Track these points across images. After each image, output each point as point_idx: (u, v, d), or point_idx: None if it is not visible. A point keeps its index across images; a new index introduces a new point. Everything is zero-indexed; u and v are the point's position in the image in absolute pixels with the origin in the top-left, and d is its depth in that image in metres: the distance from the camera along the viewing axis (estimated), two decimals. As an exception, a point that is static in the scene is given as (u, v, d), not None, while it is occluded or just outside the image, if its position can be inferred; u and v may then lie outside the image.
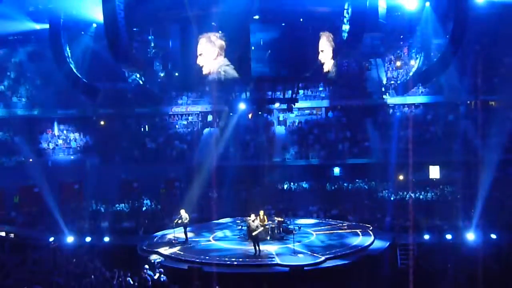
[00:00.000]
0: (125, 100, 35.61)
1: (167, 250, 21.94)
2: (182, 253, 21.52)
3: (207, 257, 20.55)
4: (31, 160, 33.93)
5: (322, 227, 25.84)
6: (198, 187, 30.81)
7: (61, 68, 26.44)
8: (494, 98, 34.03)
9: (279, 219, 23.79)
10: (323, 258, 19.72)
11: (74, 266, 19.93)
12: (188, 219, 23.15)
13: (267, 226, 22.76)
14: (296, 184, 33.63)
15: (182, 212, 23.10)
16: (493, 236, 22.64)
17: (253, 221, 20.83)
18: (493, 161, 27.90)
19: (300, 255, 20.31)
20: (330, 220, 28.02)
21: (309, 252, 20.72)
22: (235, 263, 19.85)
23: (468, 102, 35.28)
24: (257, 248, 20.63)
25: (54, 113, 36.70)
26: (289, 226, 23.83)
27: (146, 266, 18.65)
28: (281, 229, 23.52)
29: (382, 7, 25.68)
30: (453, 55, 25.67)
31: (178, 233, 23.46)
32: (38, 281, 17.43)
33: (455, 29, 24.83)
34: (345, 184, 33.06)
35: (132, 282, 17.66)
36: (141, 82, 27.86)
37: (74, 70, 26.43)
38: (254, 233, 20.58)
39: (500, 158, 28.66)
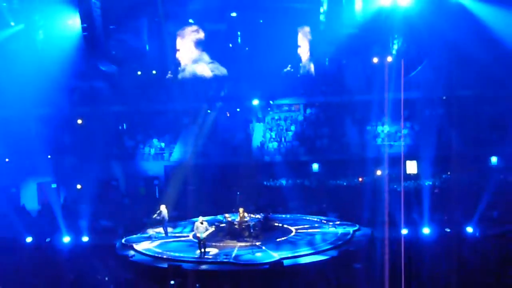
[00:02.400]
0: (102, 98, 35.28)
1: (145, 247, 22.08)
2: (160, 250, 21.63)
3: (184, 255, 20.73)
4: (7, 160, 33.46)
5: (302, 223, 26.01)
6: (177, 185, 30.77)
7: None
8: (469, 92, 34.39)
9: (257, 216, 24.00)
10: (277, 256, 19.84)
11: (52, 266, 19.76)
12: (167, 214, 23.27)
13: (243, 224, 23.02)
14: (276, 181, 33.69)
15: (162, 207, 23.29)
16: (469, 229, 23.00)
17: (201, 223, 20.73)
18: (469, 156, 28.35)
19: (258, 254, 20.44)
20: (310, 216, 28.15)
21: (268, 251, 20.79)
22: (213, 260, 19.94)
23: (444, 97, 35.65)
24: (202, 250, 20.67)
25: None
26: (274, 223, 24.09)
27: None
28: (257, 227, 23.64)
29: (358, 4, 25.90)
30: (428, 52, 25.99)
31: (156, 229, 23.55)
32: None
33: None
34: (324, 180, 33.18)
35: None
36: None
37: None
38: (203, 235, 20.56)
39: (476, 153, 29.12)
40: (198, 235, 20.67)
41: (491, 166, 32.42)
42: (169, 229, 24.05)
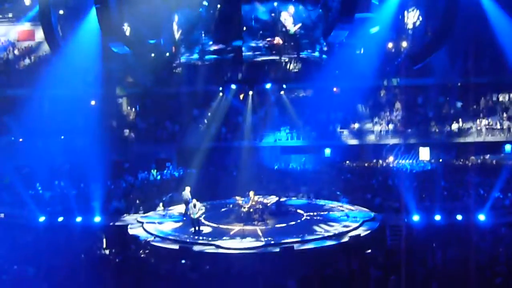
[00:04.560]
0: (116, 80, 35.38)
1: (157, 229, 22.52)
2: (172, 232, 22.01)
3: (196, 237, 21.10)
4: (21, 140, 33.77)
5: (312, 208, 26.06)
6: (190, 168, 31.03)
7: None
8: (484, 80, 34.02)
9: (268, 200, 24.11)
10: (263, 242, 20.10)
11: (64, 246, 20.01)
12: (190, 197, 23.96)
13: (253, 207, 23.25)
14: (288, 165, 33.72)
15: (187, 189, 24.38)
16: (481, 217, 22.89)
17: (194, 204, 21.80)
18: (482, 143, 28.17)
19: (248, 238, 20.66)
20: (320, 201, 28.18)
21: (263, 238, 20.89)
22: (222, 244, 20.11)
23: (459, 84, 35.29)
24: (196, 228, 21.91)
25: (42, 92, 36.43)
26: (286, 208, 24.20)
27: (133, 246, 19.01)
28: (269, 211, 23.77)
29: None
30: (445, 37, 25.59)
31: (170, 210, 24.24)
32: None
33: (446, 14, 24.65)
34: (336, 165, 33.14)
35: (123, 261, 17.81)
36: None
37: None
38: (196, 215, 21.79)
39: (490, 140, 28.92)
40: (191, 215, 21.85)
41: (505, 154, 32.19)
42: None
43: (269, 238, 20.58)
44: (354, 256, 18.94)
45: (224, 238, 20.85)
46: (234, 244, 20.06)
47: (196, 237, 21.23)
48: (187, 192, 24.45)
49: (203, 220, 23.44)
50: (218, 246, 19.96)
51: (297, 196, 29.35)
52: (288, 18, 22.73)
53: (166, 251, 20.04)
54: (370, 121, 34.69)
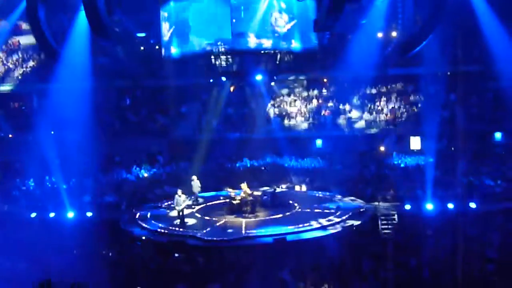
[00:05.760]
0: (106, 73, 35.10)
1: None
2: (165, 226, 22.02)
3: (190, 230, 21.11)
4: (10, 136, 33.57)
5: (305, 199, 26.12)
6: (181, 161, 30.97)
7: None
8: (475, 68, 34.04)
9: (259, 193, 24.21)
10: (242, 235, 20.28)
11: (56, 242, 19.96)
12: (200, 186, 24.99)
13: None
14: (279, 157, 33.65)
15: (194, 178, 24.90)
16: (473, 205, 23.05)
17: (179, 196, 22.16)
18: (473, 132, 28.26)
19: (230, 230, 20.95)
20: (313, 191, 28.23)
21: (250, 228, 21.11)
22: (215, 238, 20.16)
23: (449, 73, 35.32)
24: (180, 220, 22.18)
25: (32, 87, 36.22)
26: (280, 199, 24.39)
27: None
28: (260, 203, 23.84)
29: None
30: (434, 26, 25.64)
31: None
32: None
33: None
34: (326, 156, 33.10)
35: (116, 256, 17.79)
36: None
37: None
38: (180, 207, 22.13)
39: (480, 128, 29.01)
40: (176, 207, 22.15)
41: (495, 141, 32.31)
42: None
43: (250, 231, 20.70)
44: (347, 247, 19.05)
45: (206, 230, 21.01)
46: (211, 236, 20.17)
47: (177, 229, 21.47)
48: (195, 181, 24.99)
49: (196, 213, 23.57)
50: (193, 238, 20.16)
51: (290, 187, 29.40)
52: (279, 18, 22.70)
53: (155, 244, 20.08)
54: (361, 111, 34.67)
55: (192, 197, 25.27)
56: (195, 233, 20.56)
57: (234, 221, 22.28)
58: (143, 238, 20.64)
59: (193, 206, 24.65)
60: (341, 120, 34.43)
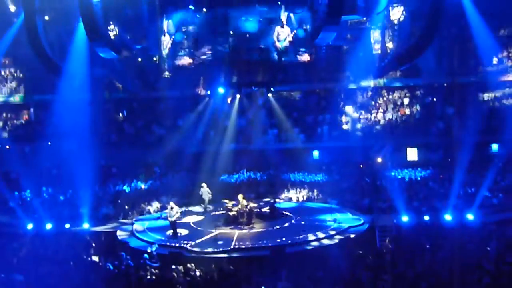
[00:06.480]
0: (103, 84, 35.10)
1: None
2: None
3: (186, 242, 21.15)
4: (8, 147, 33.54)
5: (302, 210, 26.10)
6: (178, 172, 30.93)
7: None
8: (471, 80, 34.18)
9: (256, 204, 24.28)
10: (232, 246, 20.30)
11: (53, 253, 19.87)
12: (210, 193, 26.15)
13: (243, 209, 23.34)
14: (275, 169, 33.61)
15: (204, 185, 26.14)
16: (470, 216, 23.04)
17: (171, 208, 22.38)
18: (469, 143, 28.28)
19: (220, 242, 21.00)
20: (310, 203, 28.20)
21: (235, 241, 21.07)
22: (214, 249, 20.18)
23: (445, 84, 35.46)
24: (173, 231, 22.24)
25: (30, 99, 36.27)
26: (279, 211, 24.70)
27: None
28: (255, 215, 23.84)
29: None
30: (431, 38, 25.68)
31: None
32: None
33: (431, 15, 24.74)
34: (323, 167, 33.08)
35: (112, 268, 17.70)
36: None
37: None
38: (172, 218, 22.27)
39: (477, 140, 29.03)
40: (169, 218, 22.32)
41: (492, 153, 32.36)
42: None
43: (240, 243, 20.76)
44: (344, 258, 18.99)
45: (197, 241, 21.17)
46: (201, 248, 20.31)
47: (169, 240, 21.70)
48: (205, 189, 25.99)
49: (192, 224, 23.56)
50: (182, 249, 20.37)
51: (286, 200, 29.38)
52: (281, 32, 22.82)
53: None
54: (358, 123, 34.74)
55: (202, 205, 26.35)
56: (185, 244, 20.79)
57: (228, 232, 22.26)
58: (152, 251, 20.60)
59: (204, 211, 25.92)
60: (338, 131, 34.50)
